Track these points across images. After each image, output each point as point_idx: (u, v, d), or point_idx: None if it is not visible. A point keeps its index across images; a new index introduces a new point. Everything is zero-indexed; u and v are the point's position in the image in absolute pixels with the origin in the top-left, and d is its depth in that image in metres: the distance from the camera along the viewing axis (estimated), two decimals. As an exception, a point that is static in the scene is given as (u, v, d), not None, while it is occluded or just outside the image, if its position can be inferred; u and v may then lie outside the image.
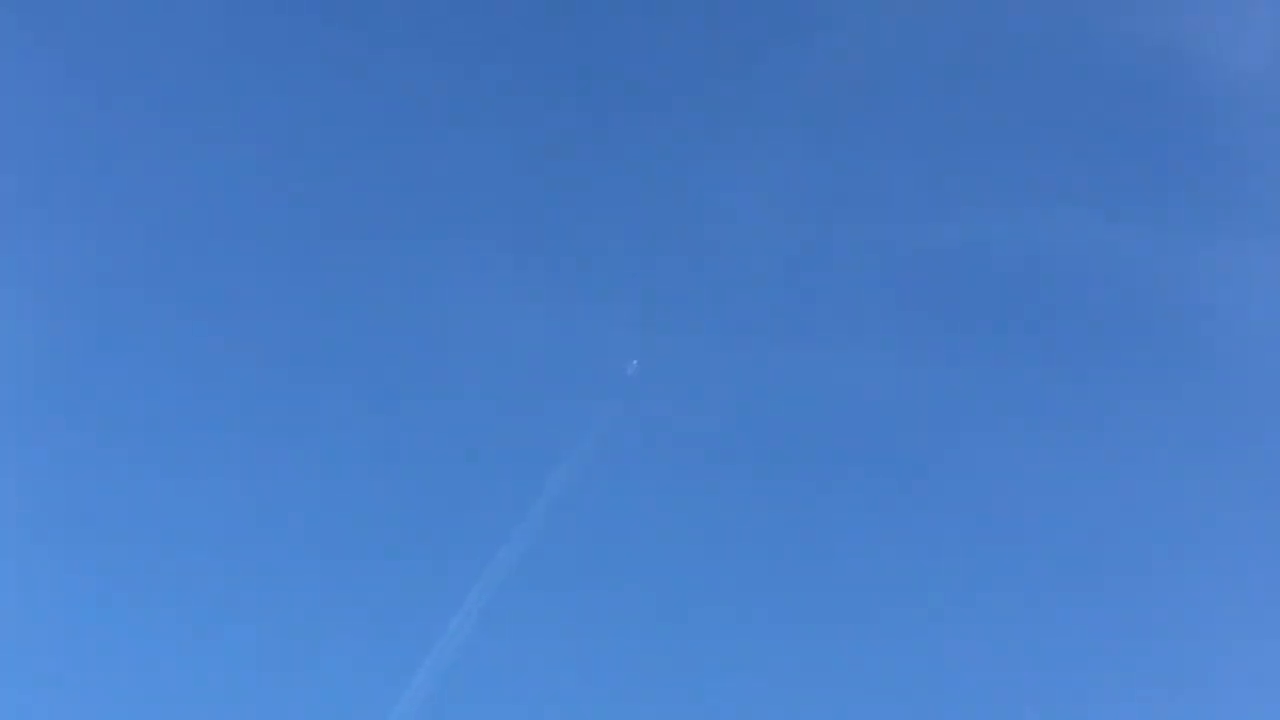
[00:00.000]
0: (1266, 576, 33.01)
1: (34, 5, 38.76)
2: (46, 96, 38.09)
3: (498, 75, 38.81)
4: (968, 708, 32.07)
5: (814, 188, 37.56)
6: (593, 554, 34.01)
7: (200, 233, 37.48)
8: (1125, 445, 34.65)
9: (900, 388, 35.49)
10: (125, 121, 38.20)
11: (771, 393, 35.83)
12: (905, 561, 33.78)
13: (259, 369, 36.23)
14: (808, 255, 37.21)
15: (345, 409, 35.64)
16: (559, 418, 35.02)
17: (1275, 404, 34.75)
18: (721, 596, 33.67)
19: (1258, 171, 36.62)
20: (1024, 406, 35.31)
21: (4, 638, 32.68)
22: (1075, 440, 34.86)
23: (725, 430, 35.53)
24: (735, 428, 35.60)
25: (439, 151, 38.40)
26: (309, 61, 39.07)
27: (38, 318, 35.81)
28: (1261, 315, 35.69)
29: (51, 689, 32.11)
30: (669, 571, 33.97)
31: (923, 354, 36.07)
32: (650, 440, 35.28)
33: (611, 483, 34.57)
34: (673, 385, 35.61)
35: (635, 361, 35.94)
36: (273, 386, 36.24)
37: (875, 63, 38.03)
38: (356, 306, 36.81)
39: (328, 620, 33.38)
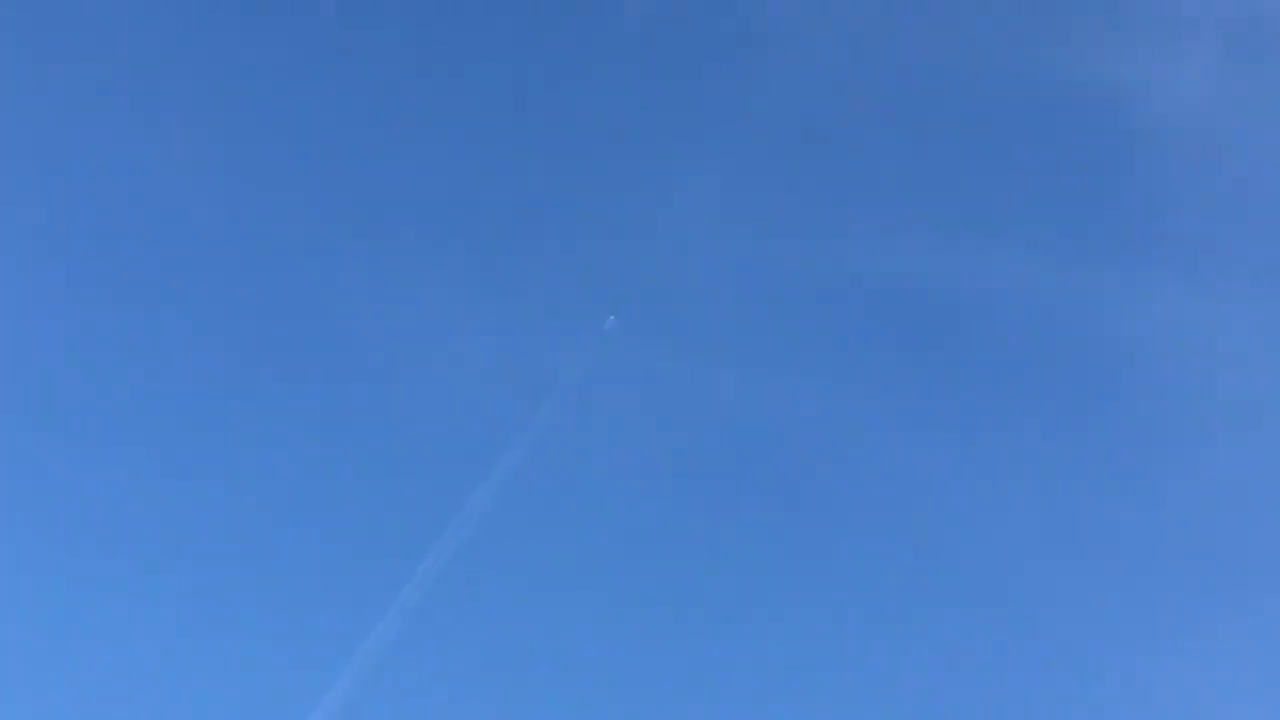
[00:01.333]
0: (1169, 592, 33.83)
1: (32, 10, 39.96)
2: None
3: (457, 95, 39.68)
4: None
5: (757, 217, 38.35)
6: (520, 556, 34.81)
7: (166, 241, 38.26)
8: (1041, 465, 35.50)
9: (828, 406, 36.31)
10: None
11: (707, 407, 36.65)
12: (822, 572, 34.67)
13: (226, 366, 37.08)
14: (747, 280, 38.02)
15: (290, 412, 36.59)
16: (499, 425, 35.66)
17: (1180, 429, 35.60)
18: (647, 601, 34.50)
19: (1176, 211, 37.55)
20: (946, 426, 36.11)
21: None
22: (996, 458, 35.70)
23: (662, 442, 36.29)
24: (673, 440, 36.35)
25: (400, 169, 39.12)
26: (264, 76, 39.78)
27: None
28: (1175, 347, 36.53)
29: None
30: (600, 577, 34.78)
31: (850, 375, 36.90)
32: (588, 449, 36.07)
33: (546, 486, 35.29)
34: (612, 398, 36.38)
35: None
36: (237, 382, 37.12)
37: (817, 102, 38.87)
38: (311, 316, 37.62)
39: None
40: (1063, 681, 32.84)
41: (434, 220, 38.76)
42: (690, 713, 32.74)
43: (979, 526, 34.59)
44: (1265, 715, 31.92)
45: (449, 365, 36.96)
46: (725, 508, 35.49)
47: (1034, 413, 36.14)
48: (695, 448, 36.23)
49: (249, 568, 34.50)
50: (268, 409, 36.67)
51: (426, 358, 37.11)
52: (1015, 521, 34.63)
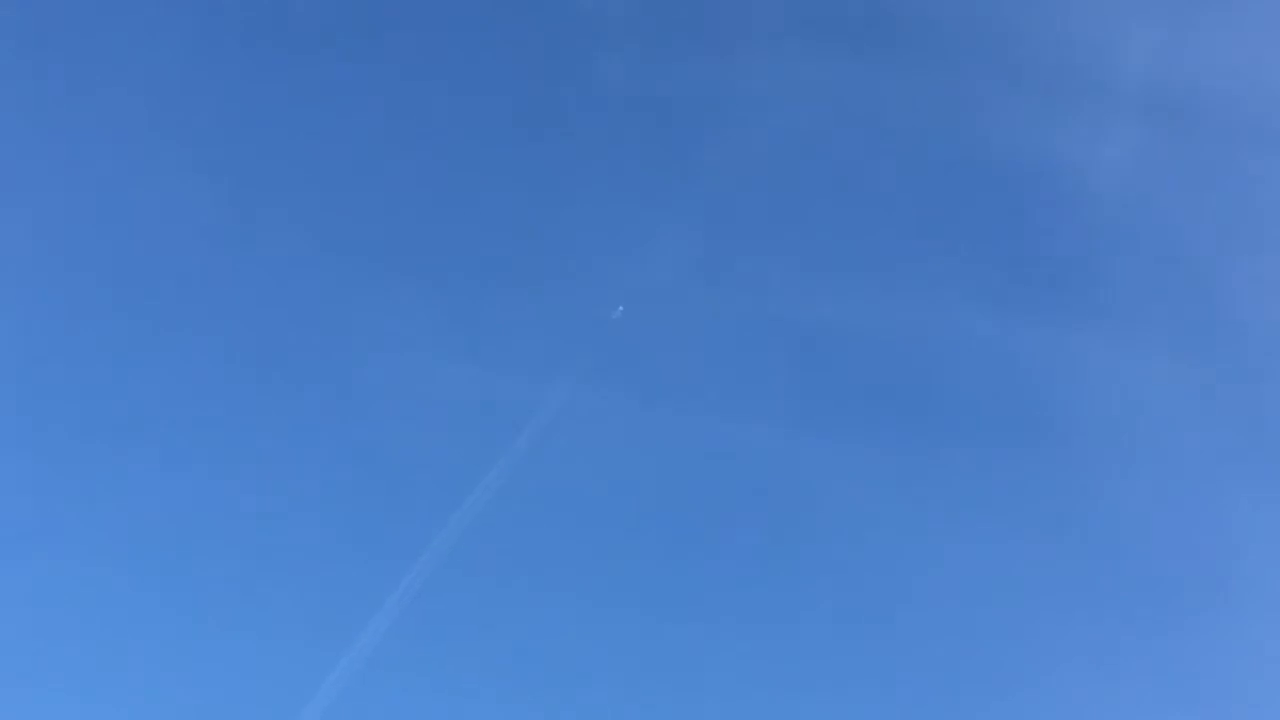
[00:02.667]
0: (1121, 656, 35.91)
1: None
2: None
3: (439, 135, 41.30)
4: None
5: (731, 270, 40.28)
6: (477, 606, 36.54)
7: (142, 279, 39.74)
8: (986, 520, 37.43)
9: (782, 458, 38.19)
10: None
11: (661, 455, 38.37)
12: (780, 624, 36.57)
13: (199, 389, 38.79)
14: (720, 330, 39.83)
15: (253, 450, 38.13)
16: (467, 462, 37.33)
17: (1129, 487, 37.57)
18: (602, 654, 36.40)
19: (1107, 271, 39.74)
20: (895, 478, 38.02)
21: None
22: (940, 512, 37.61)
23: (619, 490, 38.10)
24: (629, 487, 38.13)
25: (380, 207, 40.77)
26: (233, 106, 41.22)
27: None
28: (1119, 400, 38.59)
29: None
30: (561, 614, 36.63)
31: (804, 426, 38.76)
32: (555, 489, 37.76)
33: (509, 527, 37.03)
34: (570, 443, 37.92)
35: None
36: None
37: (787, 163, 40.92)
38: (282, 349, 39.25)
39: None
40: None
41: (410, 259, 40.42)
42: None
43: (926, 571, 36.81)
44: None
45: (420, 401, 38.47)
46: (691, 550, 37.43)
47: (976, 461, 38.20)
48: (663, 492, 37.97)
49: (206, 600, 36.16)
50: (234, 439, 38.36)
51: (398, 392, 38.61)
52: (953, 563, 36.85)
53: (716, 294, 39.86)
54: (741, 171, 40.25)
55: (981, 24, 40.79)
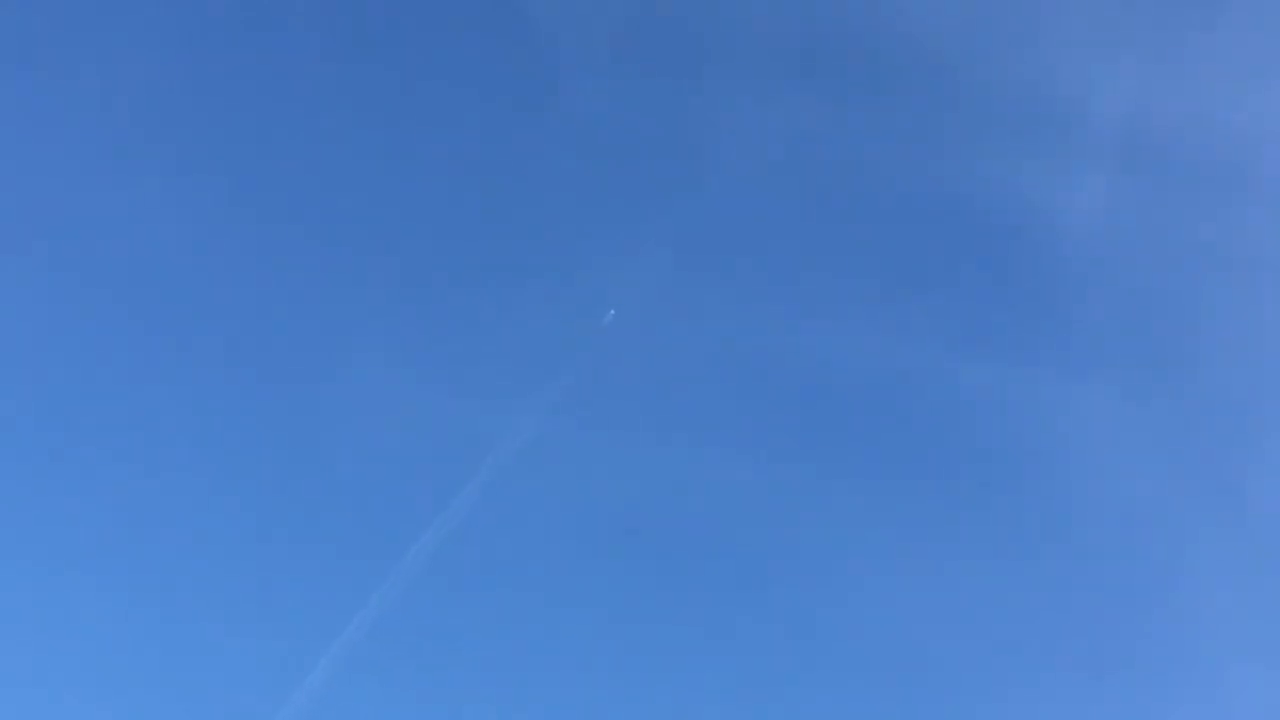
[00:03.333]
0: (1080, 684, 36.59)
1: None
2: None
3: (412, 165, 41.92)
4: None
5: (701, 303, 40.81)
6: (440, 633, 37.09)
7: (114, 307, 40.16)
8: (951, 553, 37.97)
9: (749, 488, 38.66)
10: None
11: (629, 482, 38.77)
12: (742, 658, 37.10)
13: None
14: (691, 361, 40.31)
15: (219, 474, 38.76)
16: (434, 487, 37.79)
17: (1091, 523, 38.21)
18: (575, 666, 36.91)
19: (1075, 314, 40.31)
20: (861, 509, 38.57)
21: None
22: (906, 543, 38.16)
23: (598, 514, 38.58)
24: (609, 513, 38.59)
25: (353, 234, 41.22)
26: (203, 123, 41.75)
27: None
28: (1086, 448, 39.10)
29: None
30: (525, 643, 37.12)
31: (772, 457, 39.24)
32: (522, 516, 38.22)
33: (475, 553, 37.62)
34: (550, 468, 38.58)
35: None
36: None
37: (746, 184, 41.30)
38: (251, 372, 39.72)
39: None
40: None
41: (382, 279, 41.09)
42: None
43: (892, 601, 37.32)
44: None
45: (389, 421, 39.00)
46: (657, 582, 37.93)
47: (942, 494, 38.90)
48: (632, 521, 38.44)
49: (165, 626, 36.57)
50: (199, 463, 38.69)
51: (367, 410, 39.19)
52: (917, 594, 37.46)
53: (688, 325, 40.46)
54: (716, 204, 40.95)
55: (958, 68, 41.53)
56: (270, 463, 38.90)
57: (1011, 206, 40.80)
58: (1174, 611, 36.66)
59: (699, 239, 40.58)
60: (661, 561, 38.32)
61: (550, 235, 41.19)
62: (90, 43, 41.76)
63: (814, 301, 40.68)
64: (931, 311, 40.53)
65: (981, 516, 38.14)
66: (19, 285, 39.93)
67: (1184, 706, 35.90)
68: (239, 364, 39.66)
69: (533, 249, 41.09)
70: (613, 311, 39.54)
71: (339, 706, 35.70)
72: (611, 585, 38.09)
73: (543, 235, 41.25)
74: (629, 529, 38.50)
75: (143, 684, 36.16)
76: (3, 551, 37.12)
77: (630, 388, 39.52)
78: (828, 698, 36.51)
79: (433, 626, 37.13)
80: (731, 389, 40.02)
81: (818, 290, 40.81)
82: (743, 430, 39.53)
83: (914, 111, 41.60)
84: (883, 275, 41.04)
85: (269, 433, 39.25)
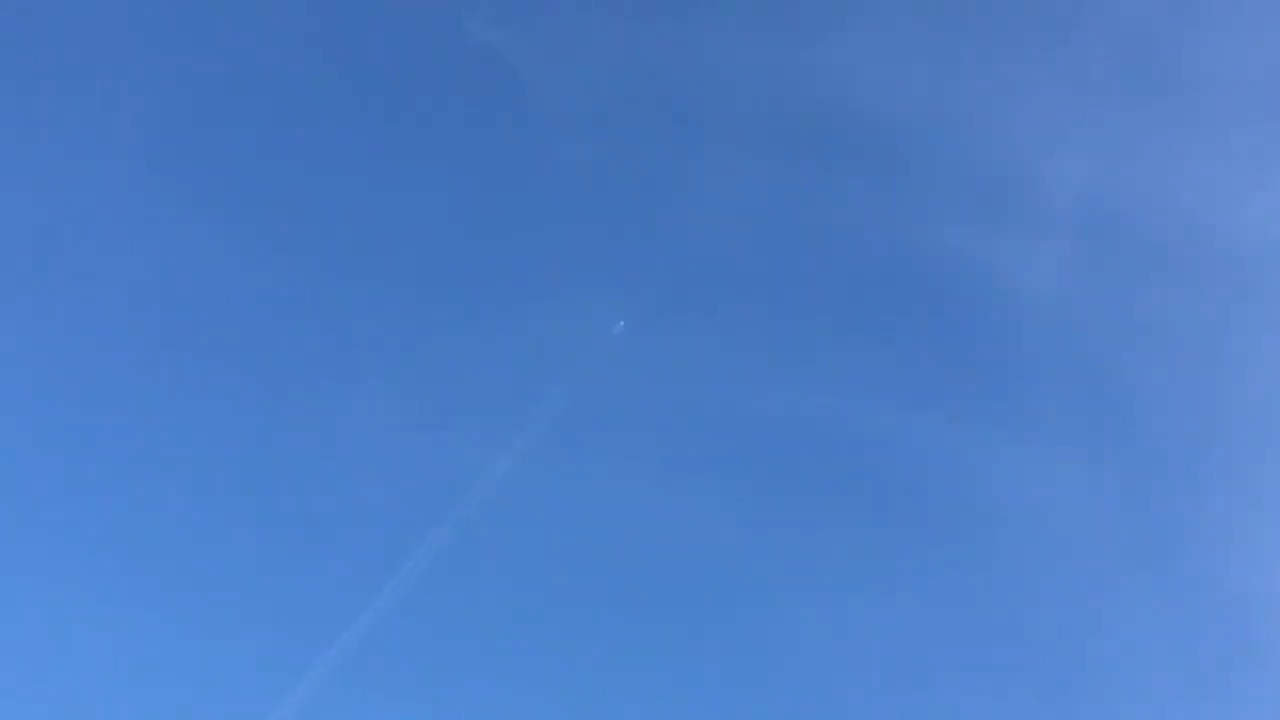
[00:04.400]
0: None
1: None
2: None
3: (389, 212, 43.78)
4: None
5: (655, 351, 42.69)
6: (417, 666, 38.60)
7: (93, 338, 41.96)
8: (904, 603, 39.58)
9: (713, 537, 40.31)
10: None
11: (595, 522, 40.55)
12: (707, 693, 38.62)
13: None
14: (643, 403, 42.15)
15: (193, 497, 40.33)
16: (410, 521, 39.44)
17: (1035, 578, 39.79)
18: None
19: (1029, 377, 42.04)
20: (816, 558, 40.34)
21: None
22: (864, 593, 39.86)
23: (568, 555, 40.30)
24: (579, 553, 40.34)
25: (331, 275, 43.02)
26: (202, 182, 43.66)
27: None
28: (1031, 505, 40.73)
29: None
30: (494, 683, 38.52)
31: (735, 508, 40.94)
32: (495, 553, 39.93)
33: (448, 591, 39.14)
34: (512, 511, 40.05)
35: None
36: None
37: (719, 245, 43.47)
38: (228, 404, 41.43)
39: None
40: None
41: (373, 326, 42.93)
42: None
43: (848, 648, 39.01)
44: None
45: (368, 461, 40.69)
46: (619, 618, 39.56)
47: (899, 547, 40.57)
48: (597, 559, 40.18)
49: (141, 655, 38.00)
50: (175, 491, 40.22)
51: (345, 449, 40.95)
52: (872, 642, 39.04)
53: (658, 374, 42.29)
54: (688, 262, 42.87)
55: (925, 143, 43.75)
56: (249, 495, 40.43)
57: (971, 275, 42.82)
58: (1105, 659, 38.17)
59: (672, 294, 42.60)
60: (623, 597, 39.88)
61: (531, 285, 43.07)
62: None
63: (778, 359, 42.56)
64: (890, 372, 42.37)
65: (928, 564, 39.76)
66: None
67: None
68: (229, 396, 41.35)
69: (513, 297, 42.96)
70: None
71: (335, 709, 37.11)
72: (576, 620, 39.68)
73: (523, 285, 43.13)
74: (595, 566, 40.19)
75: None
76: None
77: (600, 432, 41.29)
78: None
79: (401, 662, 38.49)
80: (697, 437, 41.86)
81: (782, 348, 42.67)
82: (707, 477, 41.24)
83: (880, 182, 43.78)
84: (845, 336, 43.01)
85: (248, 468, 40.83)
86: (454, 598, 39.32)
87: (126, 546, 39.53)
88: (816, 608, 39.48)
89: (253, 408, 41.46)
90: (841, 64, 44.16)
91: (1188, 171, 42.57)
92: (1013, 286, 42.49)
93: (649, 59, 44.61)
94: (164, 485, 40.18)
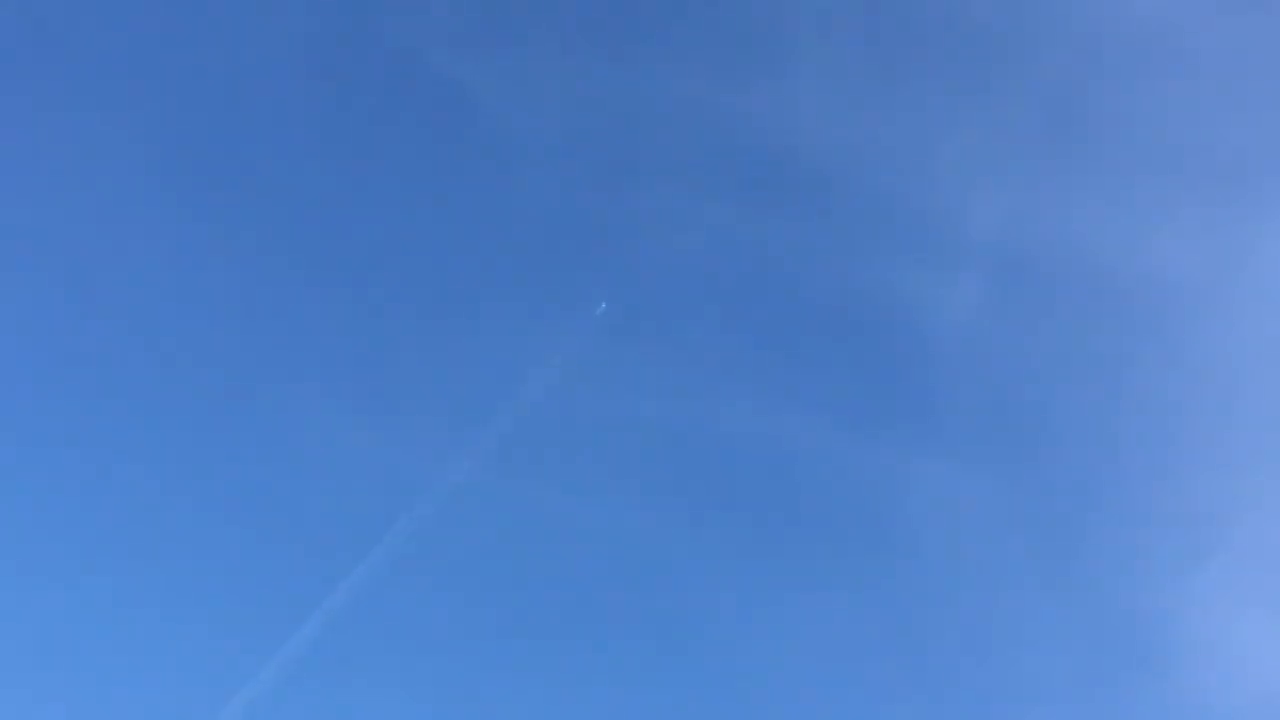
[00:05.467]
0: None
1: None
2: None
3: (365, 238, 46.64)
4: None
5: (605, 368, 45.52)
6: (370, 663, 40.94)
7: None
8: (825, 612, 42.70)
9: (653, 544, 43.62)
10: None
11: (542, 533, 43.55)
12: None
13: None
14: (592, 421, 45.16)
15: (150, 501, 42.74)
16: (363, 527, 41.72)
17: (947, 586, 42.93)
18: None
19: (961, 403, 45.30)
20: (746, 569, 43.45)
21: None
22: (785, 602, 42.92)
23: (514, 565, 43.09)
24: (526, 563, 43.14)
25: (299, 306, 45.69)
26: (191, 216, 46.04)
27: None
28: (942, 518, 44.08)
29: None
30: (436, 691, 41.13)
31: (674, 519, 44.23)
32: (442, 565, 42.57)
33: (396, 601, 41.65)
34: (461, 520, 42.71)
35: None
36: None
37: (668, 271, 46.67)
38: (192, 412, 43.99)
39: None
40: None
41: (336, 341, 45.63)
42: None
43: (768, 651, 42.00)
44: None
45: (324, 468, 43.31)
46: (561, 629, 42.27)
47: (821, 560, 43.70)
48: (540, 568, 43.00)
49: (101, 658, 40.26)
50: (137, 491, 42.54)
51: (302, 455, 43.53)
52: (793, 648, 42.10)
53: (607, 394, 45.20)
54: (638, 291, 45.91)
55: (855, 184, 46.95)
56: (205, 502, 42.76)
57: (893, 306, 46.12)
58: (1003, 664, 41.32)
59: (622, 318, 45.46)
60: (567, 601, 42.81)
61: (490, 305, 46.00)
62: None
63: (717, 381, 45.64)
64: (818, 394, 45.51)
65: (846, 572, 43.07)
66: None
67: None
68: (197, 399, 43.80)
69: (475, 315, 45.79)
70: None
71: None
72: (518, 629, 42.36)
73: (484, 305, 46.01)
74: (540, 571, 43.09)
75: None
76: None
77: (550, 447, 44.20)
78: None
79: (355, 658, 40.75)
80: (642, 453, 44.92)
81: (721, 371, 45.80)
82: (650, 490, 44.36)
83: (813, 218, 46.86)
84: (777, 360, 46.04)
85: (206, 475, 43.21)
86: (406, 599, 41.82)
87: (98, 544, 42.06)
88: (743, 610, 42.58)
89: (222, 411, 44.12)
90: (782, 106, 47.33)
91: (1094, 216, 45.80)
92: (932, 317, 45.78)
93: (605, 95, 47.57)
94: (128, 486, 42.67)
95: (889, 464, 44.27)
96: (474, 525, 42.95)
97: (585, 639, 42.36)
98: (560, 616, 42.63)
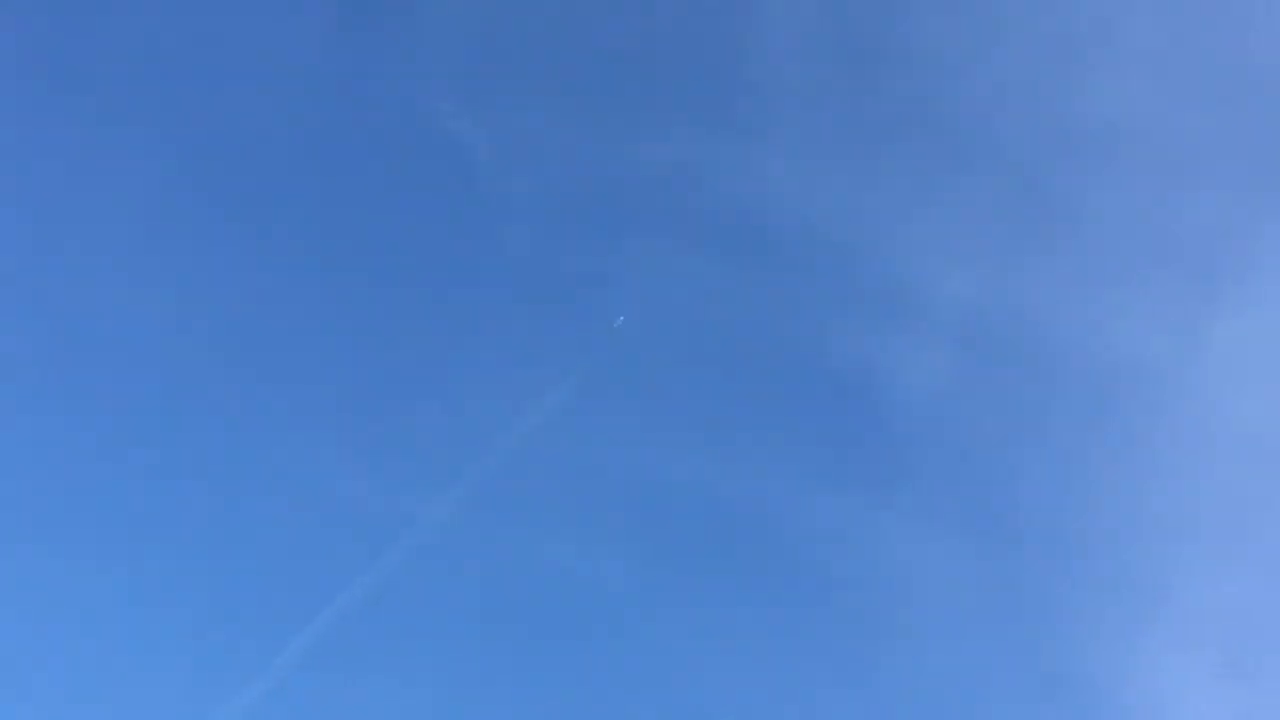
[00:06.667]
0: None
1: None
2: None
3: (358, 289, 48.50)
4: None
5: (579, 419, 47.09)
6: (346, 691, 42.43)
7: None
8: (784, 662, 44.60)
9: (631, 594, 45.34)
10: None
11: (521, 577, 45.32)
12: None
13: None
14: (570, 471, 46.73)
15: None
16: (342, 562, 43.51)
17: (908, 638, 44.72)
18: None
19: (929, 468, 47.30)
20: (718, 619, 45.07)
21: None
22: (743, 649, 44.82)
23: (489, 601, 44.78)
24: (487, 606, 44.81)
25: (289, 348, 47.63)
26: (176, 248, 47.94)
27: None
28: (912, 573, 45.78)
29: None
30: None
31: (644, 565, 45.84)
32: (421, 598, 44.23)
33: (373, 632, 43.38)
34: (438, 557, 44.56)
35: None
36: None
37: (645, 336, 48.26)
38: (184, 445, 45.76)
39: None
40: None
41: (323, 383, 47.26)
42: None
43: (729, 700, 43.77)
44: None
45: (303, 506, 44.84)
46: (533, 673, 43.95)
47: (782, 607, 45.41)
48: (519, 611, 44.64)
49: (72, 685, 42.40)
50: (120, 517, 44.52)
51: (288, 492, 45.04)
52: (753, 697, 43.84)
53: (585, 445, 46.91)
54: (619, 346, 47.47)
55: (833, 252, 49.03)
56: (182, 537, 44.39)
57: (867, 373, 47.97)
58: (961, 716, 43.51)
59: (602, 373, 47.24)
60: (539, 651, 44.37)
61: (475, 355, 47.65)
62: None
63: (693, 435, 47.43)
64: (792, 454, 47.35)
65: (816, 622, 44.77)
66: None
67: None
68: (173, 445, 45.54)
69: (459, 364, 47.50)
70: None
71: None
72: (491, 671, 43.91)
73: (469, 355, 47.68)
74: (511, 616, 44.73)
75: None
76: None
77: (528, 494, 45.72)
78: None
79: (318, 701, 42.22)
80: (617, 504, 46.50)
81: (697, 426, 47.57)
82: (628, 541, 45.90)
83: (791, 282, 48.67)
84: (753, 419, 47.82)
85: (186, 512, 44.70)
86: (381, 635, 43.46)
87: (91, 562, 43.93)
88: (709, 657, 44.29)
89: (213, 444, 45.84)
90: (764, 173, 49.50)
91: (1059, 295, 48.09)
92: (903, 385, 47.68)
93: (596, 156, 49.57)
94: (112, 511, 44.67)
95: (856, 522, 46.14)
96: (450, 565, 44.80)
97: (556, 681, 44.09)
98: (532, 657, 44.36)
